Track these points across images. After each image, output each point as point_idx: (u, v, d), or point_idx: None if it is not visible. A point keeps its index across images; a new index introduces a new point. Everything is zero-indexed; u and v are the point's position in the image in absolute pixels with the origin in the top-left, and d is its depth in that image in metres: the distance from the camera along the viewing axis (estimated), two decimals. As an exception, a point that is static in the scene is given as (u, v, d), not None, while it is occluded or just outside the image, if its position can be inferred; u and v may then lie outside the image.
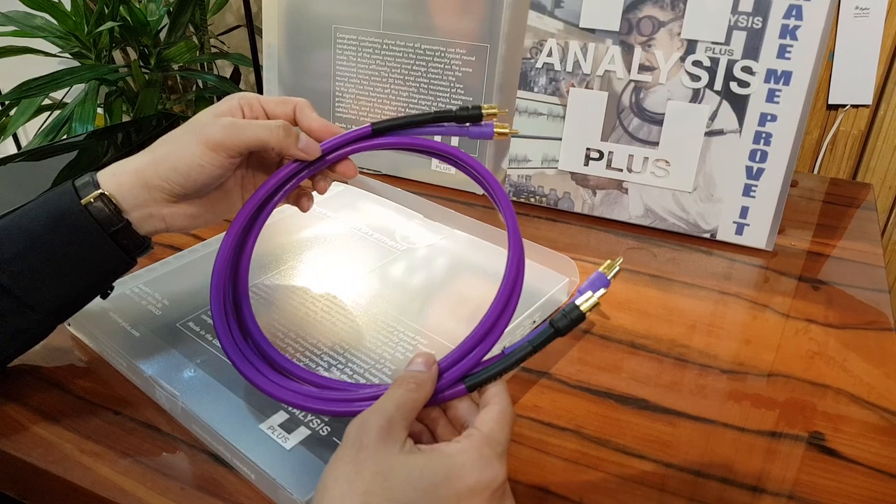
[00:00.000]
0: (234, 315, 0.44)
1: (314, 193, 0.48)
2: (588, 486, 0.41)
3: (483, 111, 0.45)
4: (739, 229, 0.64)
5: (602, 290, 0.41)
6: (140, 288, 0.54)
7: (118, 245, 0.42)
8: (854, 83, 1.11)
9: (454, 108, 0.46)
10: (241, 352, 0.42)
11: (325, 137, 0.45)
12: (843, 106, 1.15)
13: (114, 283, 0.46)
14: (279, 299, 0.53)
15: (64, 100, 1.30)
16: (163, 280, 0.55)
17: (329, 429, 0.41)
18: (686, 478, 0.41)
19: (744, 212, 0.63)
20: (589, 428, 0.45)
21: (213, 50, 1.51)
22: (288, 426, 0.41)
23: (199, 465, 0.41)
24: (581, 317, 0.39)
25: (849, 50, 1.08)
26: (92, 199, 0.41)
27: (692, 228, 0.65)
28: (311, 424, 0.42)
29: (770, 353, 0.52)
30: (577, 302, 0.40)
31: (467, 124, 0.46)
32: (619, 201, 0.67)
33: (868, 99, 1.12)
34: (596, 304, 0.40)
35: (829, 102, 1.12)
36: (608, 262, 0.43)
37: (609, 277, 0.43)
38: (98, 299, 0.46)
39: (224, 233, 0.44)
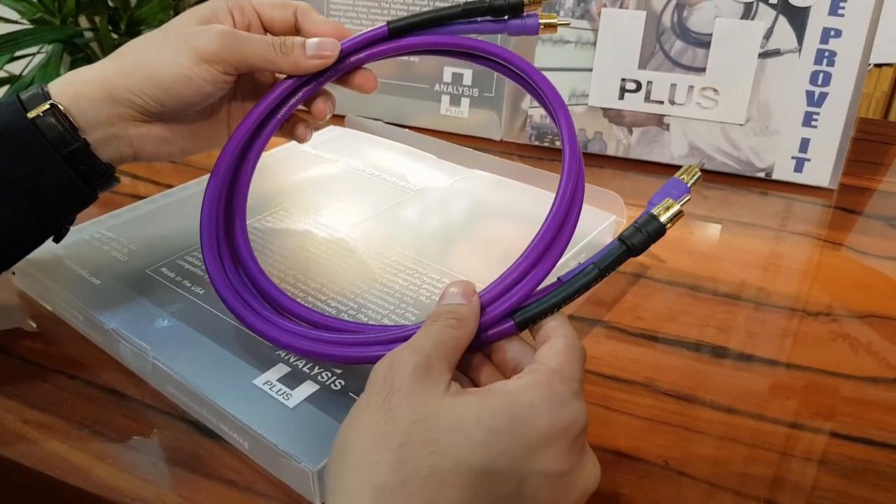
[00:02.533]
0: (226, 242, 0.36)
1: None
2: (671, 446, 0.33)
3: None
4: (799, 166, 0.56)
5: (686, 196, 0.33)
6: (102, 233, 0.45)
7: (74, 171, 0.34)
8: (879, 40, 1.04)
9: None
10: (232, 286, 0.34)
11: None
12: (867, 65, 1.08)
13: (69, 226, 0.37)
14: (274, 243, 0.44)
15: (22, 74, 1.19)
16: (130, 225, 0.46)
17: (343, 382, 0.32)
18: (787, 432, 0.34)
19: (804, 145, 0.55)
20: (663, 381, 0.37)
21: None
22: (290, 381, 0.32)
23: (175, 435, 0.33)
24: (661, 230, 0.31)
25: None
26: (41, 113, 0.34)
27: (744, 167, 0.57)
28: (320, 378, 0.33)
29: (859, 293, 0.44)
30: (655, 212, 0.32)
31: (505, 17, 0.38)
32: (660, 139, 0.59)
33: (894, 57, 1.05)
34: (678, 215, 0.32)
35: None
36: (685, 166, 0.35)
37: (689, 185, 0.34)
38: (50, 244, 0.37)
39: (207, 175, 0.37)
